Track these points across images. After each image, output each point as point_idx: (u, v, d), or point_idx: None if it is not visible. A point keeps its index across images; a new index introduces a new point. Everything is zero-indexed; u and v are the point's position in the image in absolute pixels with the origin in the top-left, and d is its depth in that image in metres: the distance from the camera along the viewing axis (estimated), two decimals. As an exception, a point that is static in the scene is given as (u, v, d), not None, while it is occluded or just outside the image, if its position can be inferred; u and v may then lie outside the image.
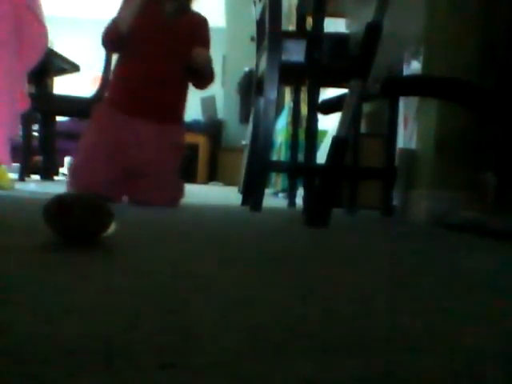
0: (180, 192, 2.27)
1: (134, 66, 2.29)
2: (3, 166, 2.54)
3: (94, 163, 2.13)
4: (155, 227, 1.32)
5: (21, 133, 3.36)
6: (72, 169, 2.19)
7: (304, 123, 2.91)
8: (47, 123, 4.02)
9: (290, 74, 2.47)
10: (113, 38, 2.28)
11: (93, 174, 2.11)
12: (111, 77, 2.49)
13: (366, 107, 2.90)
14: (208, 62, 2.29)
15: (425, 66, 2.13)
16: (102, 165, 2.13)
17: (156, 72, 2.27)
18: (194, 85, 2.42)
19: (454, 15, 1.99)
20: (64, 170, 5.56)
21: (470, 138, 1.96)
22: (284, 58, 2.30)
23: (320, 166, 2.22)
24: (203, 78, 2.37)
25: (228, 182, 7.30)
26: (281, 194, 4.44)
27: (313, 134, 2.45)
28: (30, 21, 2.58)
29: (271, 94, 2.27)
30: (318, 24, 2.37)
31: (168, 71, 2.30)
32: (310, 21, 2.66)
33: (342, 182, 2.47)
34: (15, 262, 0.72)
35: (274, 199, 3.78)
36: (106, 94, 2.46)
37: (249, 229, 1.45)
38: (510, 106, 1.66)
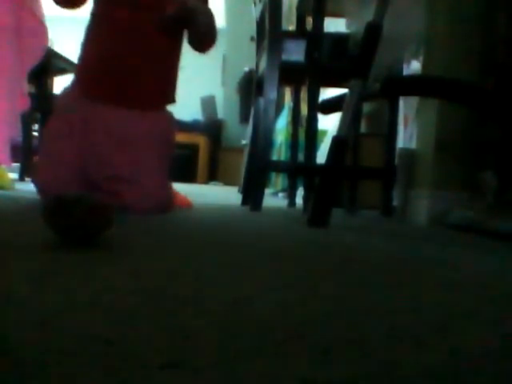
0: (165, 201, 1.75)
1: (101, 38, 1.79)
2: (3, 166, 2.54)
3: (58, 169, 1.73)
4: (155, 227, 1.32)
5: (21, 133, 3.36)
6: (37, 174, 1.80)
7: (304, 123, 2.91)
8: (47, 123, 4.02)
9: (290, 74, 2.47)
10: None
11: (58, 180, 1.70)
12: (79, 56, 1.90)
13: (366, 107, 2.90)
14: (200, 13, 1.72)
15: (425, 66, 2.13)
16: (66, 170, 1.73)
17: (128, 43, 1.75)
18: (191, 44, 1.89)
19: (454, 15, 1.99)
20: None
21: (470, 138, 1.96)
22: (284, 57, 2.30)
23: (320, 165, 2.22)
24: (200, 34, 1.82)
25: (228, 182, 7.29)
26: (281, 194, 4.44)
27: (313, 134, 2.44)
28: (30, 20, 2.58)
29: (271, 94, 2.27)
30: (318, 24, 2.37)
31: (145, 40, 1.76)
32: (310, 21, 2.66)
33: (342, 182, 2.47)
34: (15, 261, 0.72)
35: (274, 199, 3.77)
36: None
37: (249, 229, 1.45)
38: (510, 105, 1.66)
